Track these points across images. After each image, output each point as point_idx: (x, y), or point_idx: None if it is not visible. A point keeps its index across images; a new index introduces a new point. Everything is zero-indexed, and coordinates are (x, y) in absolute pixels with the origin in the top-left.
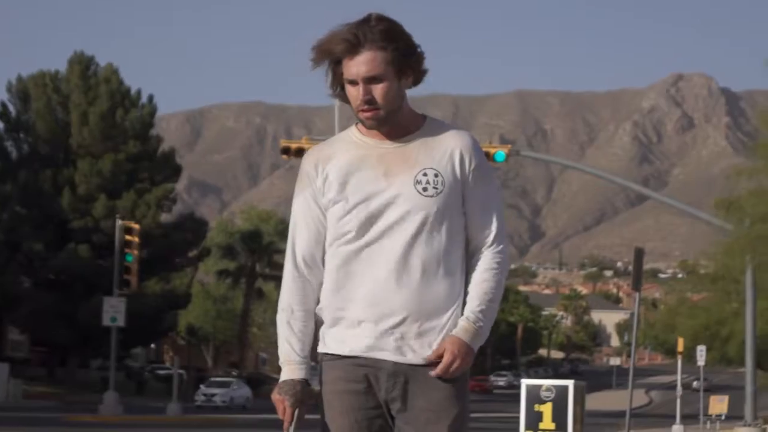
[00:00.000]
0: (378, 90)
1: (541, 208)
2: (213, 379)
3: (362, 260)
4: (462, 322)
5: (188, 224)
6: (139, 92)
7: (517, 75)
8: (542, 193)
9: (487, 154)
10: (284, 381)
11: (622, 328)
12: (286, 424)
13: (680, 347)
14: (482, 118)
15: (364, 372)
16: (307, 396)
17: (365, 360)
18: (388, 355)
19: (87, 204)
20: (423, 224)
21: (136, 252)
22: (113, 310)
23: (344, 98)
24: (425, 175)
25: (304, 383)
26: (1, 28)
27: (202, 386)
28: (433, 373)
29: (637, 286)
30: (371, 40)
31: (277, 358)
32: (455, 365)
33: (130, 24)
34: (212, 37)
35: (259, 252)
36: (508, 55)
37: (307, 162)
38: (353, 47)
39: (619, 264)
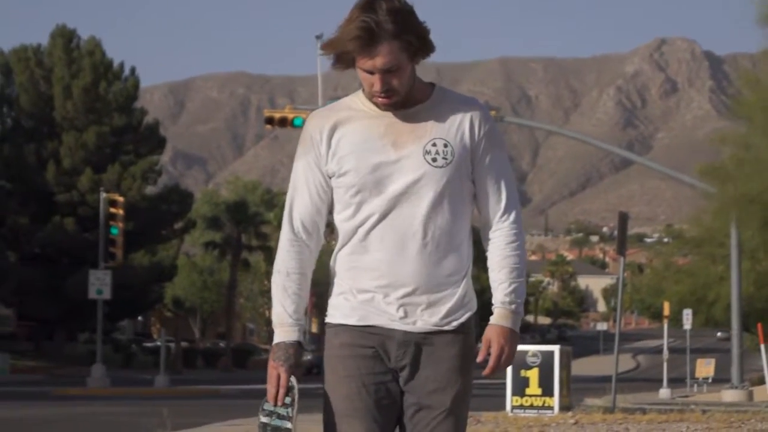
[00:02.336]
0: (395, 79)
1: (527, 174)
2: None
3: (371, 231)
4: (498, 309)
5: (173, 196)
6: (122, 65)
7: (501, 42)
8: (527, 160)
9: None
10: (277, 344)
11: (609, 293)
12: (282, 390)
13: (666, 311)
14: (466, 85)
15: (373, 340)
16: (300, 359)
17: (374, 329)
18: (398, 324)
19: (72, 177)
20: (433, 195)
21: (121, 225)
22: (99, 283)
23: (341, 67)
24: (434, 145)
25: (297, 345)
26: None
27: None
28: (486, 370)
29: (621, 250)
30: (385, 31)
31: (264, 328)
32: (505, 354)
33: None
34: (194, 8)
35: (245, 223)
36: (491, 22)
37: (311, 125)
38: (367, 45)
39: (605, 229)
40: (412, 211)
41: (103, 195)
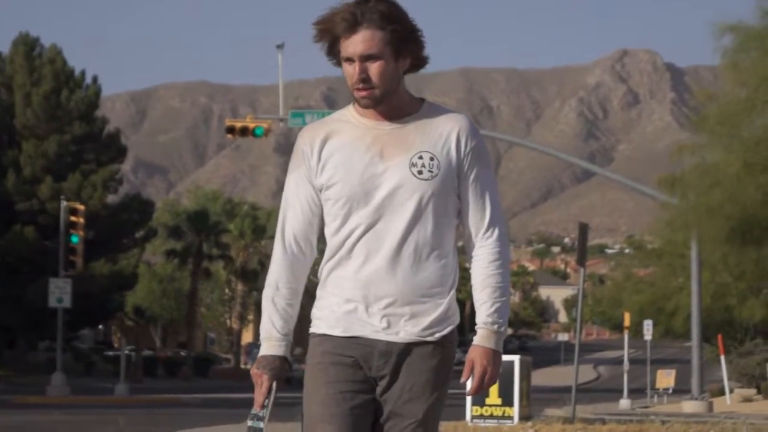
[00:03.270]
0: (374, 69)
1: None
2: None
3: (355, 243)
4: (480, 330)
5: (135, 205)
6: (83, 73)
7: (462, 52)
8: None
9: None
10: (263, 356)
11: (570, 303)
12: (261, 398)
13: (627, 322)
14: (428, 95)
15: (355, 350)
16: (284, 372)
17: (358, 339)
18: (381, 335)
19: (32, 186)
20: (417, 207)
21: (81, 233)
22: (60, 291)
23: (340, 64)
24: (421, 158)
25: (283, 360)
26: None
27: None
28: (469, 391)
29: (581, 261)
30: (370, 19)
31: (224, 338)
32: (488, 375)
33: (74, 5)
34: (157, 17)
35: (206, 232)
36: (452, 32)
37: (302, 139)
38: (351, 26)
39: (566, 240)
40: (395, 223)
41: (64, 203)
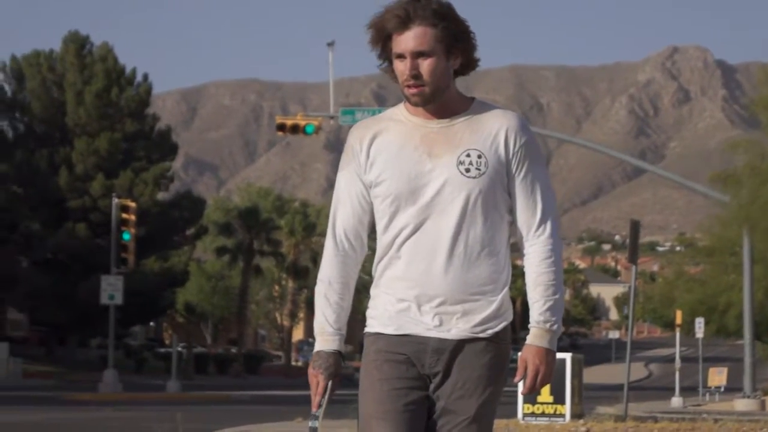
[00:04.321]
0: (425, 66)
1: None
2: None
3: (405, 241)
4: (533, 329)
5: (185, 202)
6: (134, 71)
7: (512, 49)
8: None
9: None
10: (317, 353)
11: (621, 301)
12: (318, 398)
13: (679, 320)
14: (478, 93)
15: (408, 348)
16: (340, 368)
17: (410, 337)
18: (433, 332)
19: (84, 183)
20: (465, 205)
21: (133, 230)
22: (111, 289)
23: (391, 73)
24: (468, 156)
25: (337, 355)
26: None
27: None
28: (522, 390)
29: (633, 258)
30: (422, 16)
31: (275, 334)
32: (540, 375)
33: (125, 2)
34: (207, 14)
35: (257, 229)
36: (502, 29)
37: (352, 136)
38: (403, 22)
39: (617, 237)
40: (444, 221)
41: (115, 200)
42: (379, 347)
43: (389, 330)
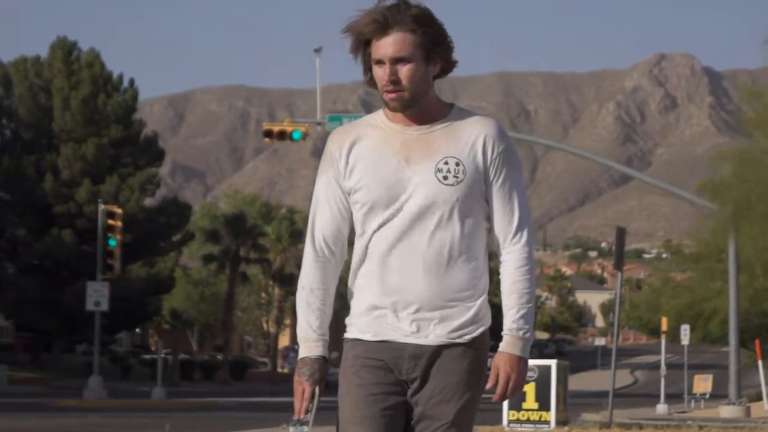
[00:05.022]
0: (404, 71)
1: (525, 189)
2: None
3: (381, 248)
4: (506, 336)
5: (172, 208)
6: (121, 77)
7: (500, 56)
8: (526, 174)
9: None
10: (302, 359)
11: (607, 308)
12: (305, 404)
13: (664, 326)
14: (465, 100)
15: (385, 354)
16: (325, 374)
17: (388, 344)
18: (411, 338)
19: (70, 189)
20: (442, 213)
21: (119, 236)
22: (97, 295)
23: (374, 83)
24: (446, 163)
25: (322, 360)
26: None
27: None
28: (494, 398)
29: (619, 265)
30: (401, 21)
31: (261, 341)
32: (512, 382)
33: (113, 9)
34: (194, 20)
35: (243, 236)
36: (490, 36)
37: (332, 142)
38: (383, 28)
39: (603, 244)
40: (420, 228)
41: (102, 207)
42: (357, 353)
43: (367, 336)
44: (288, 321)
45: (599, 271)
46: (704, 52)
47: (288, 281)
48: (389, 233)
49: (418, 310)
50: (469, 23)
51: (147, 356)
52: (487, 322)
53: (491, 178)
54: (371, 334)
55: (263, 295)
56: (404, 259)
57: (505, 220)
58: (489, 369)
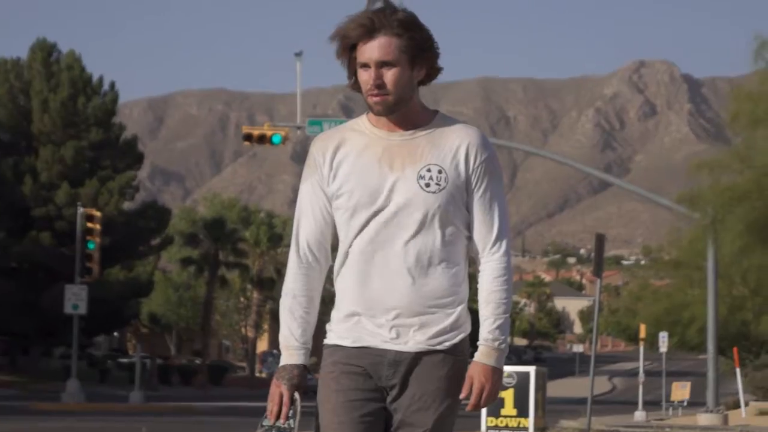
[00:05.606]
0: (389, 75)
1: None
2: None
3: (363, 254)
4: (481, 347)
5: (151, 212)
6: (101, 79)
7: (480, 62)
8: (505, 180)
9: None
10: (282, 366)
11: (586, 315)
12: (285, 409)
13: (642, 333)
14: (445, 105)
15: (365, 360)
16: (304, 381)
17: (367, 350)
18: (390, 344)
19: (49, 191)
20: (423, 220)
21: (98, 239)
22: (75, 298)
23: (357, 88)
24: (429, 170)
25: (302, 369)
26: None
27: None
28: (467, 407)
29: (598, 272)
30: (388, 26)
31: (239, 346)
32: (485, 392)
33: (93, 11)
34: (174, 23)
35: (223, 240)
36: (470, 41)
37: (315, 148)
38: (369, 31)
39: (582, 251)
40: (402, 235)
41: (81, 210)
42: (335, 359)
43: (346, 342)
44: (266, 326)
45: (578, 277)
46: (684, 60)
47: (266, 285)
48: (369, 238)
49: (397, 316)
50: (450, 28)
51: (125, 360)
52: (467, 329)
53: (473, 186)
54: (350, 340)
55: (242, 299)
56: (384, 264)
57: (484, 229)
58: None
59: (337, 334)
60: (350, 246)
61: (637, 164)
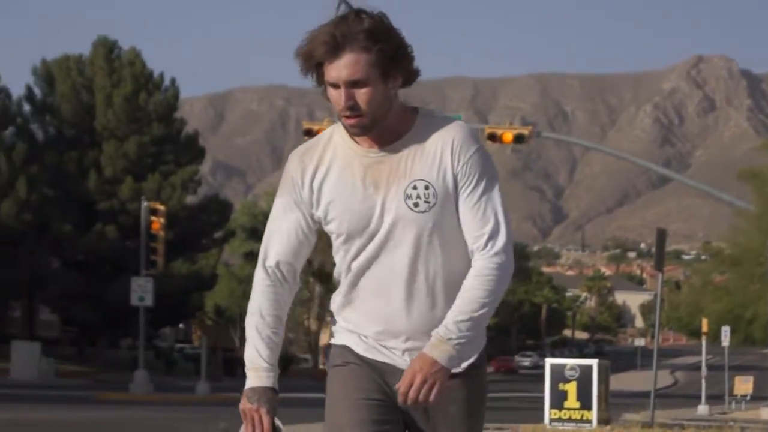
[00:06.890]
0: (361, 95)
1: (564, 190)
2: None
3: (359, 278)
4: (432, 338)
5: (213, 206)
6: (162, 75)
7: (538, 57)
8: (564, 175)
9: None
10: (252, 389)
11: (646, 309)
12: None
13: (705, 328)
14: (503, 100)
15: (377, 372)
16: (276, 405)
17: (380, 363)
18: (401, 363)
19: (113, 186)
20: (419, 241)
21: (162, 233)
22: (141, 290)
23: (311, 75)
24: (415, 188)
25: (273, 391)
26: (26, 12)
27: None
28: (398, 399)
29: (659, 266)
30: (353, 40)
31: (303, 338)
32: (416, 384)
33: (154, 7)
34: (235, 20)
35: None
36: (528, 37)
37: (292, 165)
38: (333, 49)
39: (642, 245)
40: (399, 257)
41: (145, 204)
42: (347, 360)
43: (359, 349)
44: (328, 318)
45: (638, 272)
46: (742, 55)
47: (329, 278)
48: (369, 263)
49: (407, 340)
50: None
51: (190, 351)
52: (482, 342)
53: (460, 186)
54: (362, 348)
55: (305, 292)
56: (385, 288)
57: (474, 228)
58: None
59: (350, 339)
60: (348, 269)
61: (696, 159)
